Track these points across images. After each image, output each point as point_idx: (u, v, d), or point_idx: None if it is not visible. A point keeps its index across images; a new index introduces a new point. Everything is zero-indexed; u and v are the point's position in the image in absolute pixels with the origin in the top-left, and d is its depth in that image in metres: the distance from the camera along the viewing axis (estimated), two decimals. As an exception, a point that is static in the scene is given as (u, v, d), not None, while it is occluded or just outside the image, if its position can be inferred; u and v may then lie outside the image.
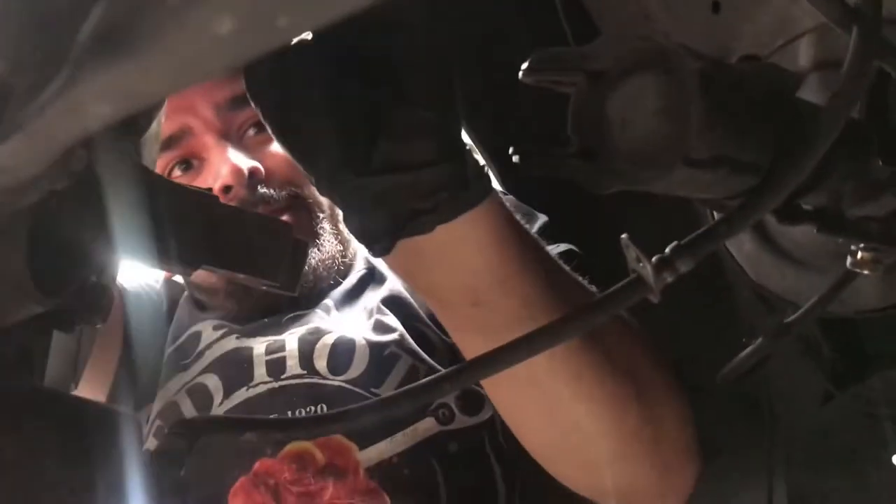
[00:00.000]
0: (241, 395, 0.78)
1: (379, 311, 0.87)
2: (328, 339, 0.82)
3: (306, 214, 0.88)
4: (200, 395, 0.80)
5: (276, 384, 0.78)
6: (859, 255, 0.49)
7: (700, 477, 0.69)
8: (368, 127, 0.45)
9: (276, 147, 0.85)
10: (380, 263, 0.95)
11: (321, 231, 0.90)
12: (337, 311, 0.89)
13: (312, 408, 0.75)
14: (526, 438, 0.66)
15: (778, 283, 0.68)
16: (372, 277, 0.94)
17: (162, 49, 0.18)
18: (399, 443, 0.78)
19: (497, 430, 0.83)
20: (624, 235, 0.37)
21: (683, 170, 0.43)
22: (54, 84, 0.20)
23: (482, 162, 0.54)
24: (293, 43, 0.45)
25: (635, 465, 0.63)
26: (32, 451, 0.34)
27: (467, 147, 0.50)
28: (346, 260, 0.95)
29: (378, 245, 0.48)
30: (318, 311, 0.88)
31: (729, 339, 0.74)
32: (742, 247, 0.68)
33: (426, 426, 0.79)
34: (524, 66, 0.41)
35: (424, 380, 0.49)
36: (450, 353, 0.85)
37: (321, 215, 0.90)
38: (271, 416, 0.48)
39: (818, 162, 0.51)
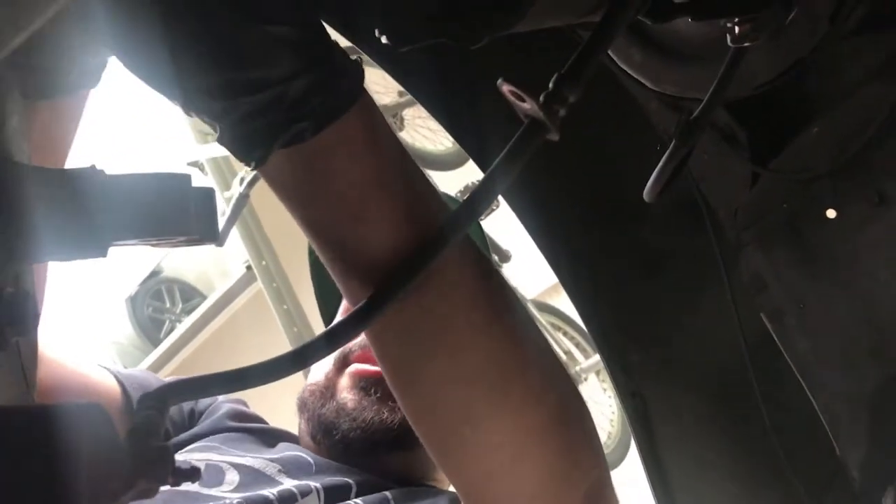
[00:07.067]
0: None
1: None
2: None
3: None
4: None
5: None
6: (737, 29, 0.50)
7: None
8: (229, 49, 0.44)
9: None
10: None
11: None
12: None
13: None
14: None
15: (676, 83, 0.69)
16: None
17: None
18: None
19: None
20: (499, 80, 0.37)
21: (545, -1, 0.43)
22: None
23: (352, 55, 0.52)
24: None
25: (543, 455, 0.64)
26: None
27: (333, 47, 0.49)
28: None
29: (253, 157, 0.47)
30: None
31: (648, 149, 0.76)
32: (632, 60, 0.69)
33: None
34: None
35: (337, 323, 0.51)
36: None
37: None
38: (227, 370, 0.48)
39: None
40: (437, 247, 0.51)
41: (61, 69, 0.54)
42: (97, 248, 0.43)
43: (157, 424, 0.39)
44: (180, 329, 3.66)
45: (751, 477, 0.80)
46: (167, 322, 4.65)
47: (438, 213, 0.55)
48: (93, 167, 0.44)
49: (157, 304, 4.73)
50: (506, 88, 0.40)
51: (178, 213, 0.44)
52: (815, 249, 0.77)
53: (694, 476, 0.81)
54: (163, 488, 0.88)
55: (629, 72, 0.70)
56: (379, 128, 0.53)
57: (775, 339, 0.80)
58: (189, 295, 4.76)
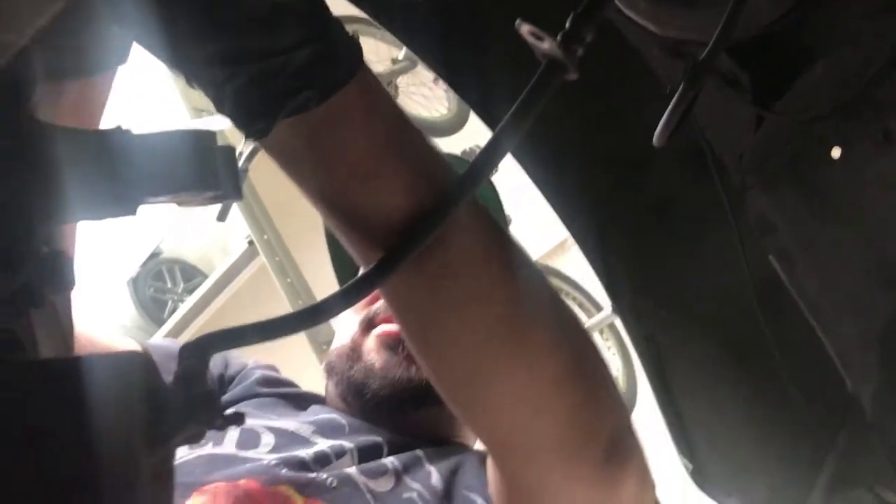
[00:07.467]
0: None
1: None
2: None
3: None
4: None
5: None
6: (743, -33, 0.50)
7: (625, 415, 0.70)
8: (231, 15, 0.45)
9: None
10: None
11: None
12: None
13: None
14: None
15: (682, 27, 0.69)
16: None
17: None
18: None
19: None
20: (518, 21, 0.38)
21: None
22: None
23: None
24: None
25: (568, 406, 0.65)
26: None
27: (333, 20, 0.50)
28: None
29: (256, 127, 0.48)
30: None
31: (651, 99, 0.77)
32: (637, 6, 0.69)
33: None
34: None
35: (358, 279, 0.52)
36: None
37: None
38: (258, 321, 0.50)
39: None
40: (450, 203, 0.52)
41: (90, 48, 0.54)
42: (127, 206, 0.44)
43: (200, 371, 0.41)
44: (184, 307, 3.67)
45: (764, 415, 0.82)
46: (170, 302, 4.66)
47: (444, 172, 0.56)
48: (119, 127, 0.45)
49: (158, 285, 4.74)
50: (525, 29, 0.41)
51: (205, 169, 0.45)
52: (821, 189, 0.78)
53: (709, 416, 0.83)
54: (201, 452, 0.90)
55: (634, 18, 0.70)
56: (380, 94, 0.54)
57: (783, 279, 0.82)
58: (190, 275, 4.76)
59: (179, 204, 0.49)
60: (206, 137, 0.45)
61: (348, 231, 0.57)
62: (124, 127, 0.45)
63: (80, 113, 0.56)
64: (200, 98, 3.14)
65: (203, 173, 0.45)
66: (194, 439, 0.39)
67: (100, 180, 0.43)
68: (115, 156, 0.43)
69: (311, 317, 0.53)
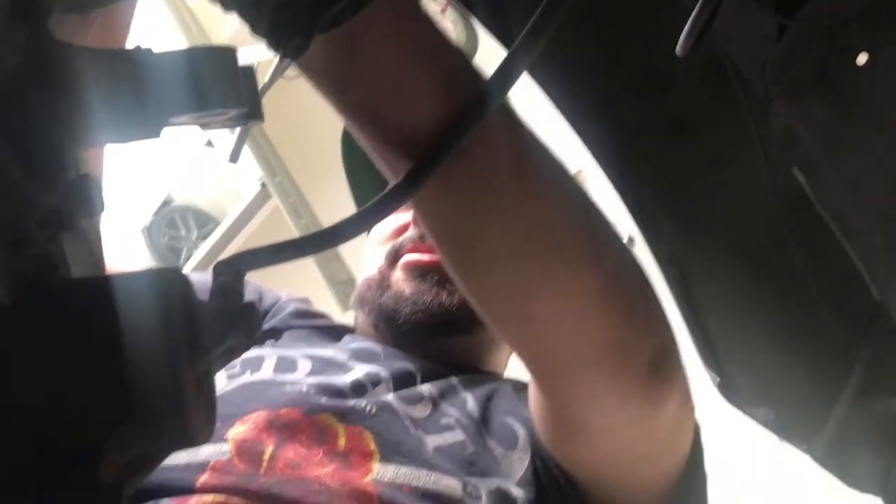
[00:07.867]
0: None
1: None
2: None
3: None
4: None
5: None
6: None
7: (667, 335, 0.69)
8: None
9: None
10: None
11: None
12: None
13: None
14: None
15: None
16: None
17: None
18: (419, 479, 0.78)
19: None
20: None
21: None
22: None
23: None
24: None
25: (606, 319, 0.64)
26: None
27: None
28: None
29: (293, 44, 0.47)
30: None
31: (668, 12, 0.75)
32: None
33: (451, 485, 0.79)
34: None
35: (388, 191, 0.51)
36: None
37: None
38: (285, 241, 0.50)
39: None
40: (480, 110, 0.51)
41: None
42: (152, 127, 0.44)
43: (235, 287, 0.41)
44: (199, 253, 3.69)
45: (790, 329, 0.82)
46: (185, 249, 4.69)
47: (474, 78, 0.55)
48: (139, 47, 0.44)
49: (172, 233, 4.76)
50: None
51: (228, 85, 0.44)
52: (846, 96, 0.76)
53: (734, 332, 0.83)
54: (239, 381, 0.90)
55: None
56: (411, 2, 0.53)
57: (808, 191, 0.81)
58: (203, 221, 4.78)
59: (202, 126, 0.49)
60: (228, 54, 0.45)
61: (380, 145, 0.56)
62: (143, 46, 0.44)
63: (106, 42, 0.55)
64: (201, 41, 3.10)
65: (227, 90, 0.44)
66: (235, 353, 0.39)
67: (123, 100, 0.42)
68: (136, 75, 0.42)
69: (347, 230, 0.53)
